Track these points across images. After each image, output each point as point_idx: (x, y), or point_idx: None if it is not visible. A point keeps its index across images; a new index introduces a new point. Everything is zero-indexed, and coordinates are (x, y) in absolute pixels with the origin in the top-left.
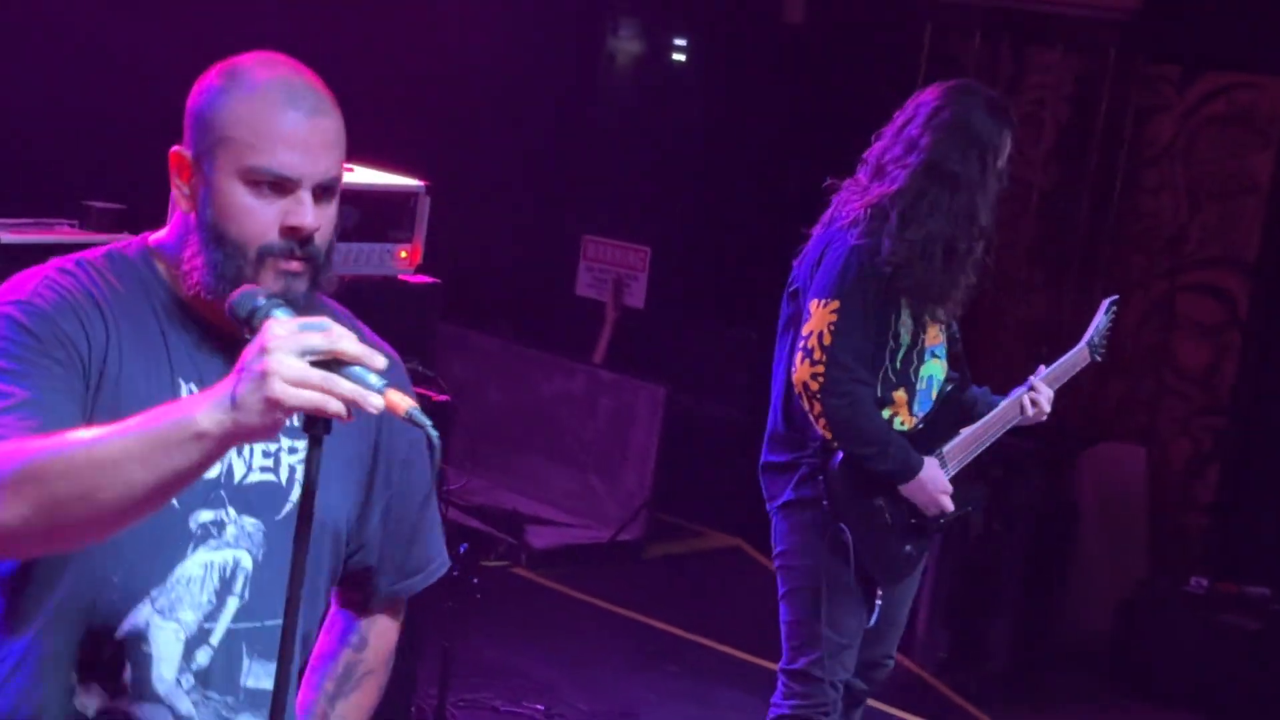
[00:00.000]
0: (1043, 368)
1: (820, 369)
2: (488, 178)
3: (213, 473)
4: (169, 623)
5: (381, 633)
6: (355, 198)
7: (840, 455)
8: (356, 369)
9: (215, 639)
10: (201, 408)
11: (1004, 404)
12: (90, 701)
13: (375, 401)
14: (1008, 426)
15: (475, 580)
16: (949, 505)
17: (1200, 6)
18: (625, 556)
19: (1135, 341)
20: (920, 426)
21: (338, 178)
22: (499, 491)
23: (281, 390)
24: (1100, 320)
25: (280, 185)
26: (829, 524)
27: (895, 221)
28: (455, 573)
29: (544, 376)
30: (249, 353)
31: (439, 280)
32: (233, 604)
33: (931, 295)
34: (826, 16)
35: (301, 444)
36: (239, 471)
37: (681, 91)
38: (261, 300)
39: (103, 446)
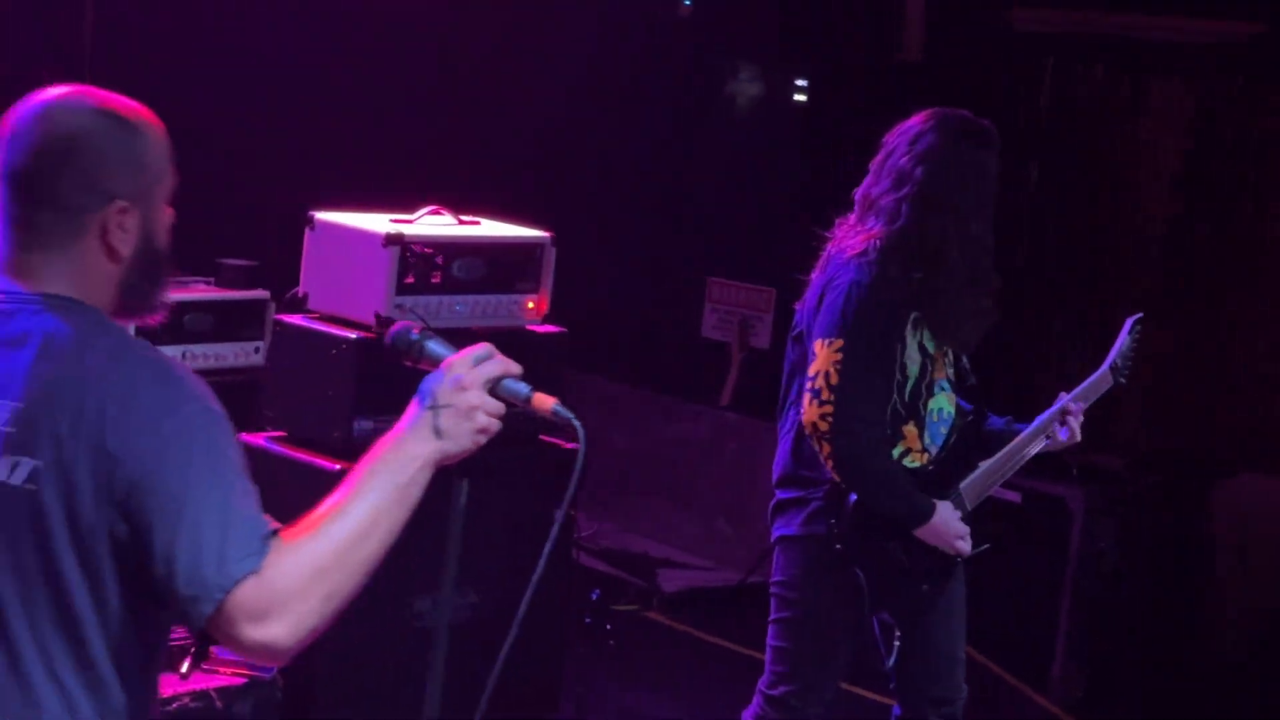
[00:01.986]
0: (1063, 395)
1: (829, 409)
2: (611, 224)
3: None
4: None
5: None
6: (482, 250)
7: (853, 497)
8: (508, 381)
9: None
10: (415, 443)
11: (1028, 430)
12: None
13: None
14: (1034, 452)
15: (609, 626)
16: (965, 548)
17: None
18: (755, 599)
19: (1270, 368)
20: (931, 467)
21: None
22: (627, 536)
23: (486, 422)
24: (1124, 341)
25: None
26: (843, 567)
27: (906, 256)
28: (588, 619)
29: (669, 420)
30: (433, 385)
31: (565, 329)
32: None
33: (953, 325)
34: (945, 53)
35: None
36: None
37: (802, 131)
38: (416, 335)
39: (358, 515)
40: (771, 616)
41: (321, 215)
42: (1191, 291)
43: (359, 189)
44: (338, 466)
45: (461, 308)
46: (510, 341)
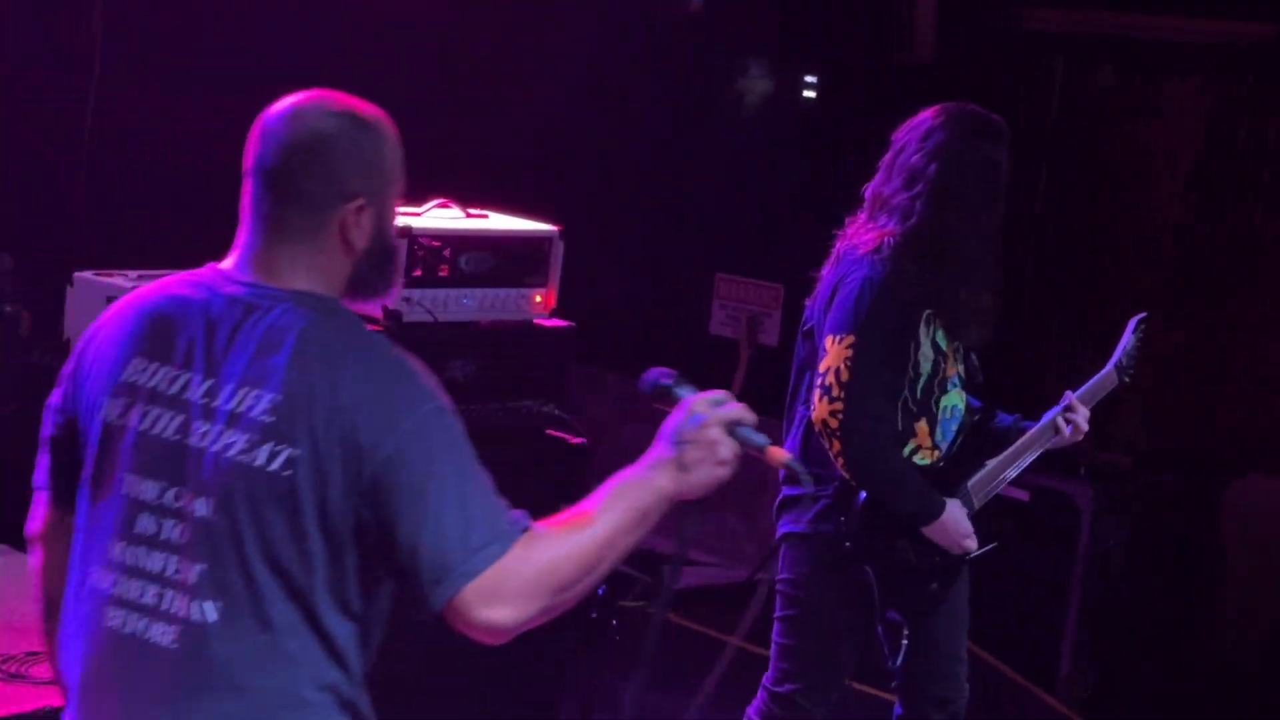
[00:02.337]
0: (1069, 393)
1: (839, 405)
2: (618, 220)
3: None
4: None
5: None
6: (491, 244)
7: (863, 495)
8: (743, 429)
9: None
10: (659, 475)
11: (1036, 428)
12: None
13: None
14: (1041, 449)
15: (614, 622)
16: (972, 546)
17: None
18: (764, 595)
19: (1271, 371)
20: (942, 464)
21: None
22: None
23: (726, 457)
24: (1128, 340)
25: None
26: (851, 565)
27: (922, 254)
28: (593, 615)
29: None
30: (677, 424)
31: (573, 324)
32: None
33: (971, 323)
34: (956, 53)
35: None
36: None
37: (812, 129)
38: (668, 381)
39: (599, 529)
40: (777, 613)
41: None
42: (1197, 293)
43: None
44: None
45: (469, 301)
46: (518, 335)
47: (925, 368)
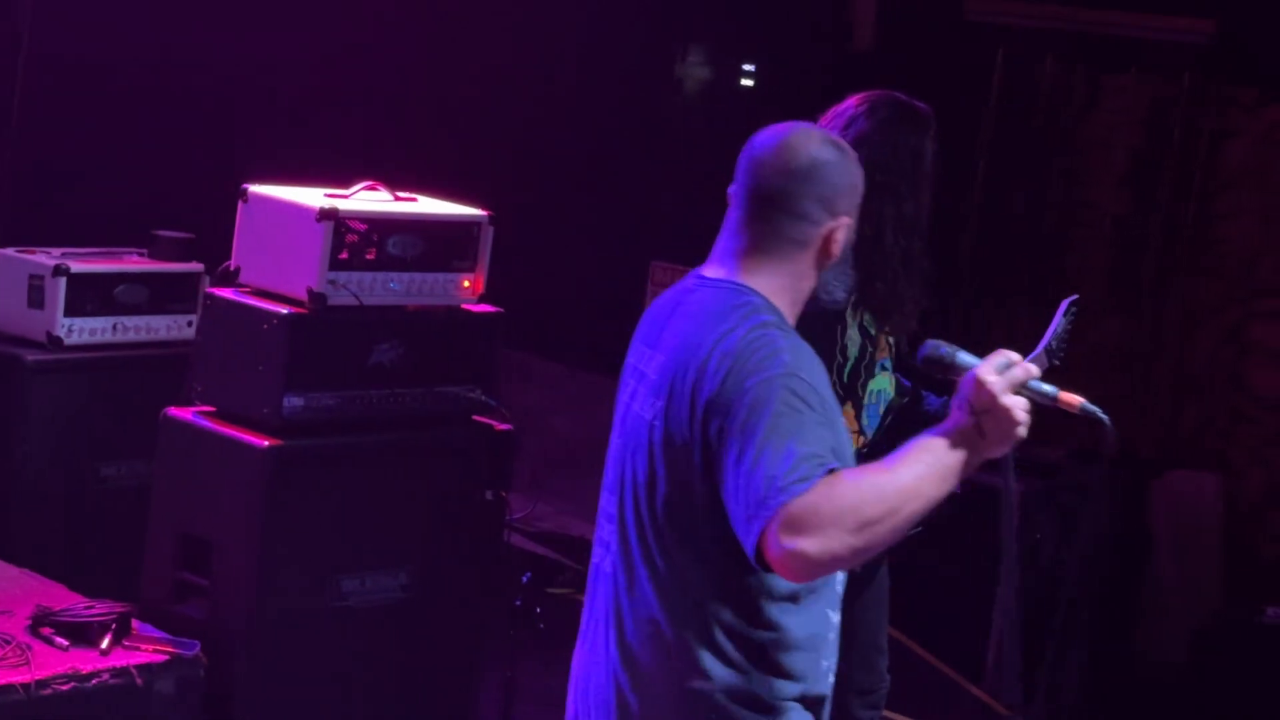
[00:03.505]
0: None
1: None
2: (555, 206)
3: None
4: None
5: None
6: (419, 228)
7: None
8: (1033, 382)
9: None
10: (962, 442)
11: None
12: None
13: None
14: None
15: (539, 609)
16: None
17: (1274, 29)
18: None
19: (1210, 368)
20: (865, 449)
21: None
22: (566, 518)
23: (1022, 419)
24: (1059, 322)
25: None
26: None
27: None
28: (518, 601)
29: (610, 403)
30: (968, 394)
31: (502, 309)
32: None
33: (893, 310)
34: (897, 43)
35: None
36: None
37: (749, 117)
38: (945, 350)
39: (904, 477)
40: None
41: (255, 188)
42: (1132, 286)
43: (296, 163)
44: (266, 443)
45: (396, 285)
46: (445, 320)
47: (853, 352)
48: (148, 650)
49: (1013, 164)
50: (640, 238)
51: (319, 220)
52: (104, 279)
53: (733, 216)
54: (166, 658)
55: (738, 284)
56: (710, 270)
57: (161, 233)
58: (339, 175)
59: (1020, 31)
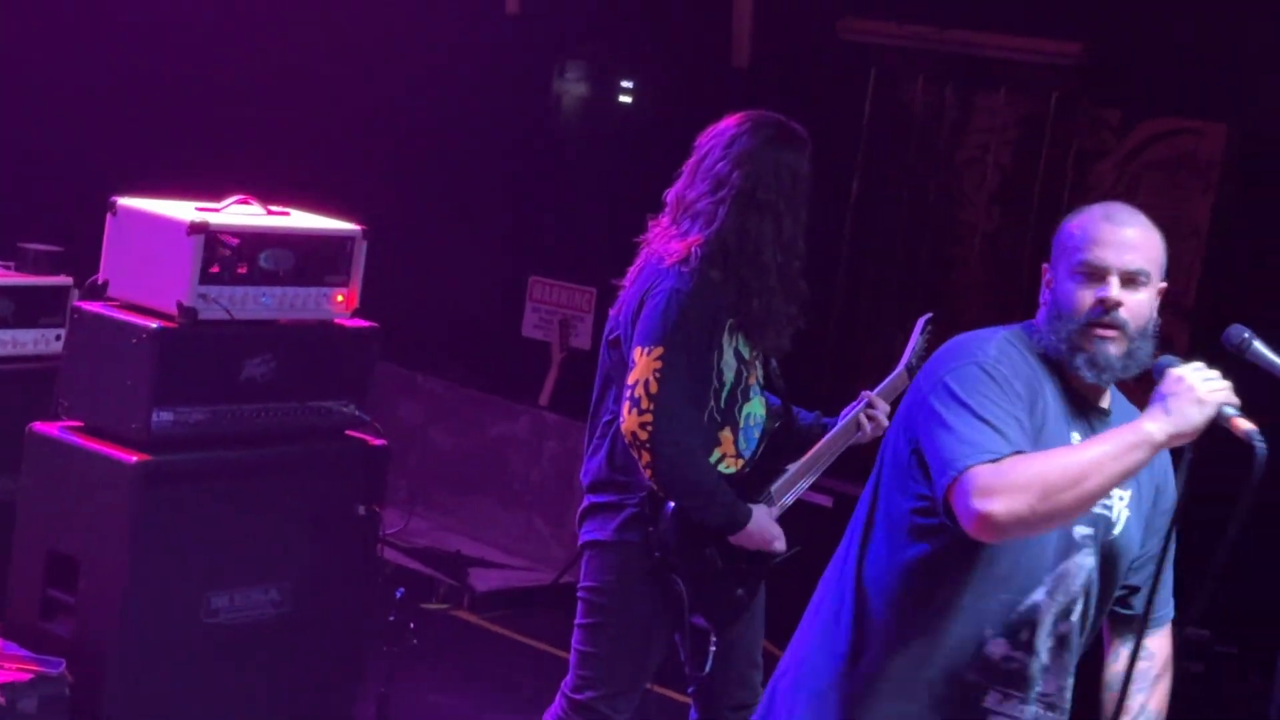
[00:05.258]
0: (865, 392)
1: (649, 418)
2: (435, 220)
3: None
4: (1052, 602)
5: (1160, 644)
6: (291, 242)
7: (671, 505)
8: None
9: (1073, 618)
10: (1147, 421)
11: (836, 429)
12: (996, 649)
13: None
14: (845, 446)
15: (412, 625)
16: (781, 548)
17: (1141, 52)
18: (568, 599)
19: None
20: (747, 470)
21: (1145, 271)
22: (444, 534)
23: (1210, 405)
24: (916, 340)
25: (1094, 274)
26: (660, 574)
27: (725, 259)
28: (391, 617)
29: (490, 419)
30: (1165, 388)
31: (376, 324)
32: (1084, 596)
33: (769, 329)
34: (772, 60)
35: (1126, 492)
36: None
37: (628, 133)
38: (1163, 360)
39: (1088, 452)
40: (579, 620)
41: (124, 201)
42: (1005, 305)
43: (166, 176)
44: (134, 459)
45: (268, 300)
46: (318, 335)
47: (729, 377)
48: (11, 668)
49: (886, 182)
50: (519, 253)
51: (190, 234)
52: None
53: None
54: (31, 676)
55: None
56: None
57: (28, 245)
58: (210, 189)
59: (892, 52)
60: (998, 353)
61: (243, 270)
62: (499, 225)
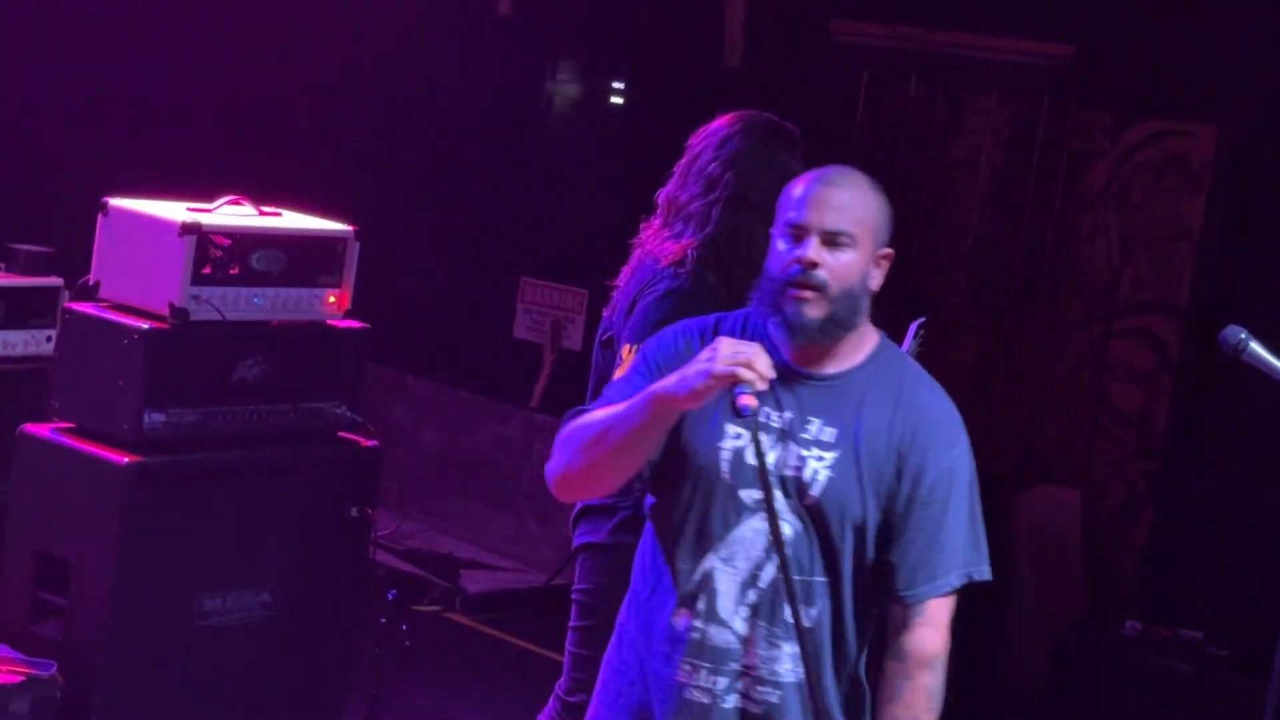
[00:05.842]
0: None
1: None
2: (426, 221)
3: (756, 462)
4: (730, 569)
5: (918, 640)
6: (283, 243)
7: None
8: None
9: (762, 584)
10: (661, 382)
11: None
12: (680, 621)
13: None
14: None
15: (404, 626)
16: None
17: (1132, 54)
18: (560, 601)
19: (1070, 386)
20: None
21: (847, 232)
22: (435, 536)
23: (708, 366)
24: (909, 345)
25: (797, 234)
26: None
27: (719, 261)
28: (383, 620)
29: (481, 420)
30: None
31: (368, 325)
32: (774, 560)
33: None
34: (764, 62)
35: (829, 454)
36: (781, 465)
37: (619, 134)
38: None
39: (610, 411)
40: (573, 623)
41: (116, 201)
42: (993, 305)
43: (157, 176)
44: (126, 460)
45: (260, 300)
46: (310, 336)
47: None
48: (2, 671)
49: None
50: (511, 254)
51: (181, 235)
52: None
53: None
54: (21, 678)
55: None
56: None
57: (19, 246)
58: (202, 189)
59: (884, 53)
60: (684, 327)
61: (235, 271)
62: (490, 226)
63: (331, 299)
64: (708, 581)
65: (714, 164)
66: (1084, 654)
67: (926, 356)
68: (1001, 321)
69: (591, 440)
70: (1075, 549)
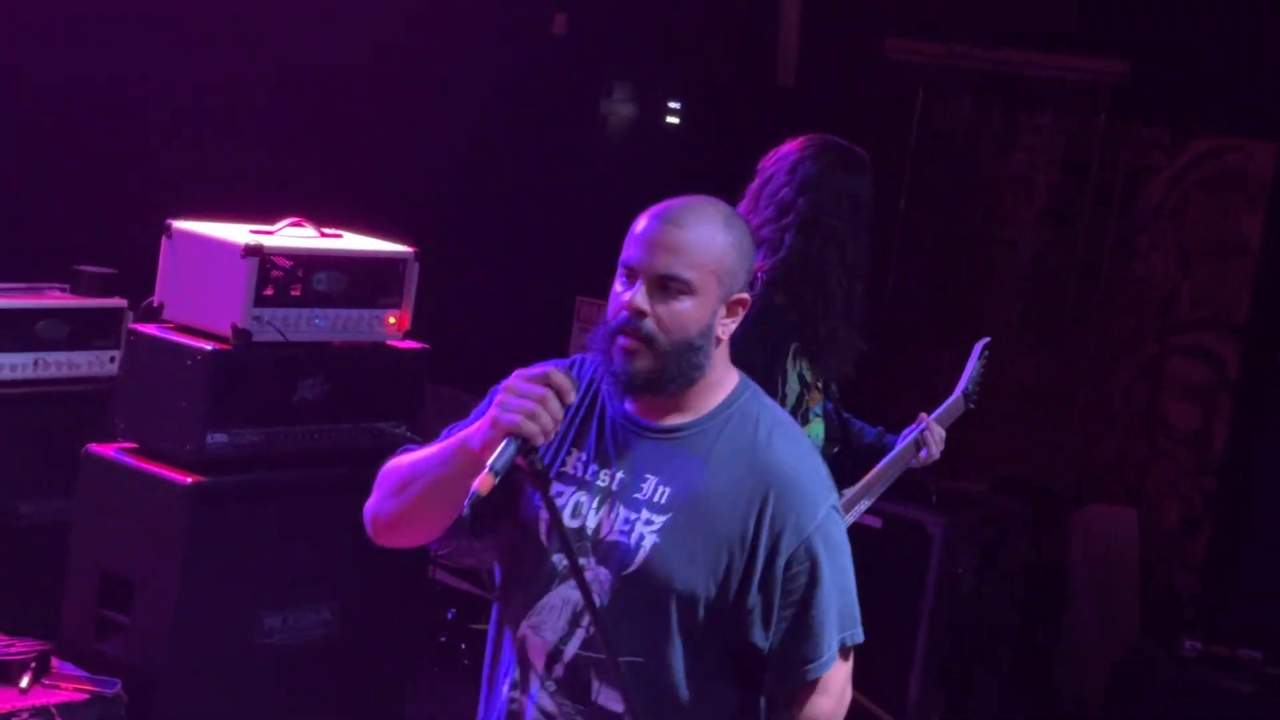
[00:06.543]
0: (924, 415)
1: None
2: (481, 241)
3: (577, 525)
4: (538, 639)
5: (811, 711)
6: (344, 264)
7: None
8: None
9: (566, 658)
10: (474, 428)
11: (896, 450)
12: (504, 686)
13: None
14: (903, 469)
15: (463, 646)
16: None
17: (1188, 70)
18: None
19: (1127, 403)
20: None
21: (681, 278)
22: (490, 555)
23: (495, 415)
24: (974, 365)
25: (630, 275)
26: None
27: (789, 285)
28: (442, 639)
29: None
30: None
31: (428, 345)
32: (579, 634)
33: (832, 354)
34: (818, 80)
35: (660, 518)
36: (601, 529)
37: (675, 153)
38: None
39: (422, 454)
40: None
41: (179, 224)
42: (1049, 322)
43: (220, 199)
44: (189, 480)
45: (321, 321)
46: (370, 356)
47: (790, 400)
48: (68, 689)
49: (932, 201)
50: (566, 274)
51: (244, 256)
52: (25, 315)
53: None
54: (87, 696)
55: None
56: None
57: (83, 268)
58: (264, 211)
59: (939, 71)
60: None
61: (296, 292)
62: (546, 246)
63: (392, 320)
64: (523, 650)
65: (786, 188)
66: (1142, 674)
67: (986, 375)
68: (1056, 339)
69: (399, 485)
70: (1132, 568)
